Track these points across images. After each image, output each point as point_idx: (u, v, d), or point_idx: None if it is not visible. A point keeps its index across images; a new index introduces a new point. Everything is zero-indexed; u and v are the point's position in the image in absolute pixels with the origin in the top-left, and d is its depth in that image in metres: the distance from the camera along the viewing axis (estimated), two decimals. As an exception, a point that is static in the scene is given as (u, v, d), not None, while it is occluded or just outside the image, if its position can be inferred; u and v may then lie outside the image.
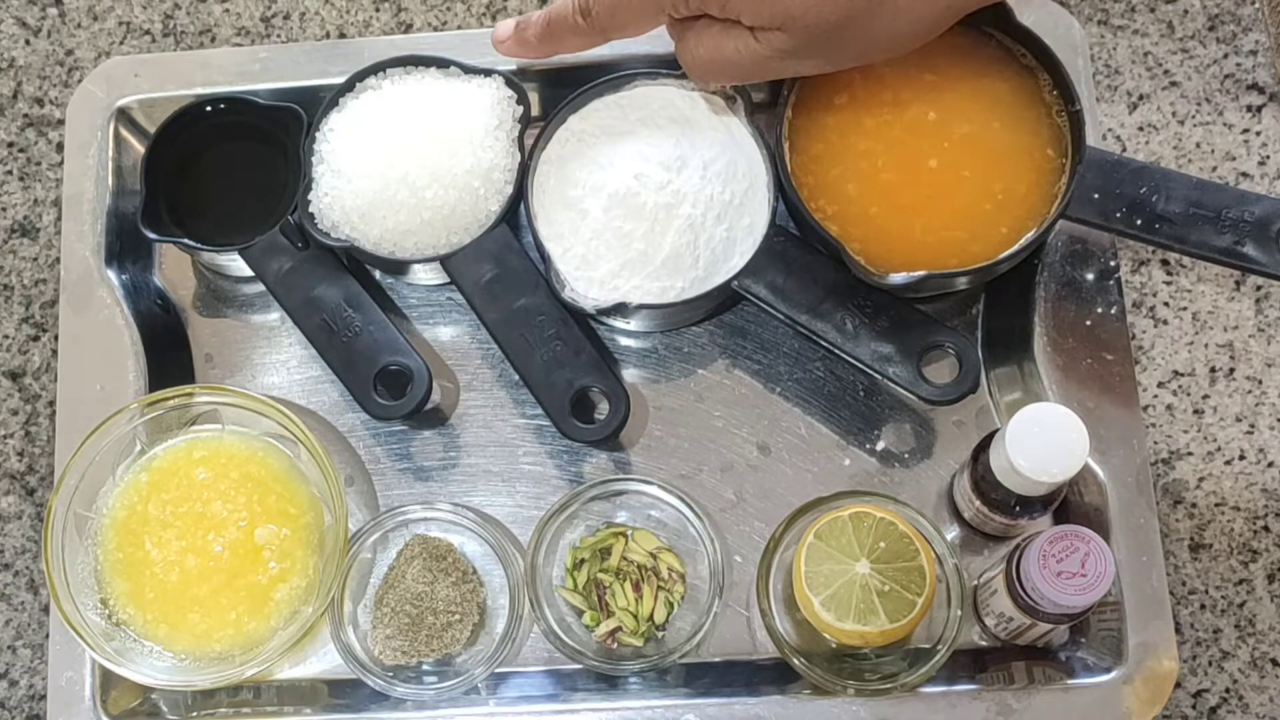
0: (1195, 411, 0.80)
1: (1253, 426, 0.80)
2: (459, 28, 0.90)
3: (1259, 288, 0.82)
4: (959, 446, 0.78)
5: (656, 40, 0.82)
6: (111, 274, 0.82)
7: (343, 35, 0.90)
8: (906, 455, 0.79)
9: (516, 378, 0.78)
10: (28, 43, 0.91)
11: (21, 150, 0.89)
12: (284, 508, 0.77)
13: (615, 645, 0.76)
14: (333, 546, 0.75)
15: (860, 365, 0.75)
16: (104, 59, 0.89)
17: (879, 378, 0.75)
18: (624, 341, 0.82)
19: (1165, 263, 0.82)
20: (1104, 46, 0.86)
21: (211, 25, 0.91)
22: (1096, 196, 0.73)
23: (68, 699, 0.76)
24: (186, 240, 0.80)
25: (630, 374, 0.81)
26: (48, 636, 0.78)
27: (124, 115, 0.85)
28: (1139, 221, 0.73)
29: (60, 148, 0.88)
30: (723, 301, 0.78)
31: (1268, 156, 0.84)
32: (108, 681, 0.77)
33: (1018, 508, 0.71)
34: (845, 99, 0.76)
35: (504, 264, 0.77)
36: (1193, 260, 0.82)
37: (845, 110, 0.75)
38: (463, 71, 0.80)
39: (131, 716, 0.77)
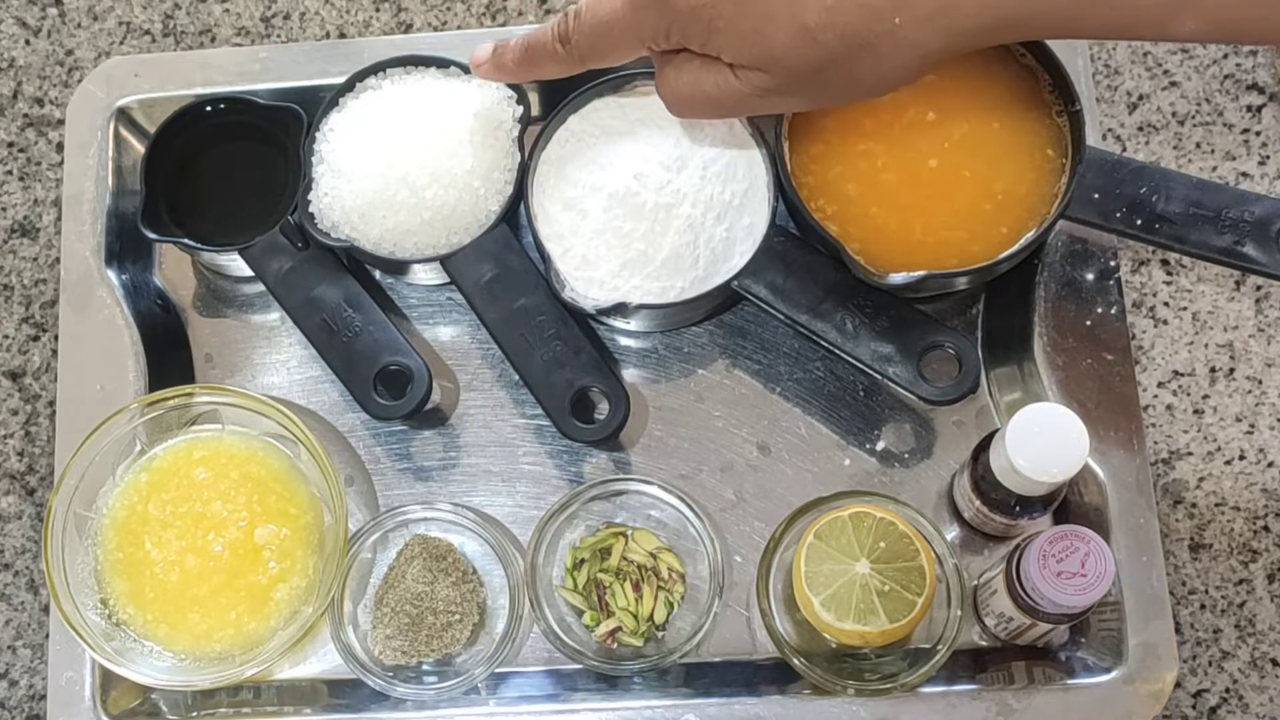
0: (1195, 411, 0.80)
1: (1253, 426, 0.80)
2: (459, 28, 0.90)
3: (1259, 288, 0.82)
4: (959, 446, 0.78)
5: (656, 40, 0.82)
6: (111, 274, 0.82)
7: (343, 35, 0.90)
8: (906, 455, 0.79)
9: (516, 378, 0.78)
10: (28, 43, 0.91)
11: (21, 150, 0.89)
12: (284, 508, 0.77)
13: (615, 645, 0.76)
14: (333, 546, 0.75)
15: (860, 365, 0.75)
16: (104, 59, 0.89)
17: (879, 378, 0.75)
18: (624, 341, 0.82)
19: (1165, 263, 0.82)
20: (1104, 46, 0.86)
21: (211, 25, 0.91)
22: (1096, 196, 0.73)
23: (68, 699, 0.76)
24: (186, 240, 0.80)
25: (630, 374, 0.81)
26: (48, 636, 0.78)
27: (124, 115, 0.85)
28: (1139, 221, 0.73)
29: (60, 148, 0.88)
30: (723, 301, 0.78)
31: (1268, 156, 0.84)
32: (108, 681, 0.77)
33: (1018, 508, 0.71)
34: (845, 99, 0.76)
35: (504, 264, 0.77)
36: (1193, 260, 0.82)
37: (845, 110, 0.75)
38: (463, 71, 0.80)
39: (131, 716, 0.77)
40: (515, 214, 0.78)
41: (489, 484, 0.80)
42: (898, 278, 0.71)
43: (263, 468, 0.78)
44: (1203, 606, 0.78)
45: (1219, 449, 0.80)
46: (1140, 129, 0.85)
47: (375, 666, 0.76)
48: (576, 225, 0.76)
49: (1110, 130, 0.85)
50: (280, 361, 0.83)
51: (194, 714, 0.77)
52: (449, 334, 0.83)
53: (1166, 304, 0.82)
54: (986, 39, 0.62)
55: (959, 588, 0.73)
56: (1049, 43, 0.74)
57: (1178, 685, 0.76)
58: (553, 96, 0.81)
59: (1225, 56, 0.86)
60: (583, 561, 0.77)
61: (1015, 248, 0.73)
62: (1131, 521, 0.74)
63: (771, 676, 0.76)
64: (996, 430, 0.70)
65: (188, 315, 0.84)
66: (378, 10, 0.90)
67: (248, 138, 0.82)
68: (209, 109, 0.82)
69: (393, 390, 0.77)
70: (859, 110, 0.75)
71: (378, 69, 0.80)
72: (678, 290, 0.75)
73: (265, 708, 0.77)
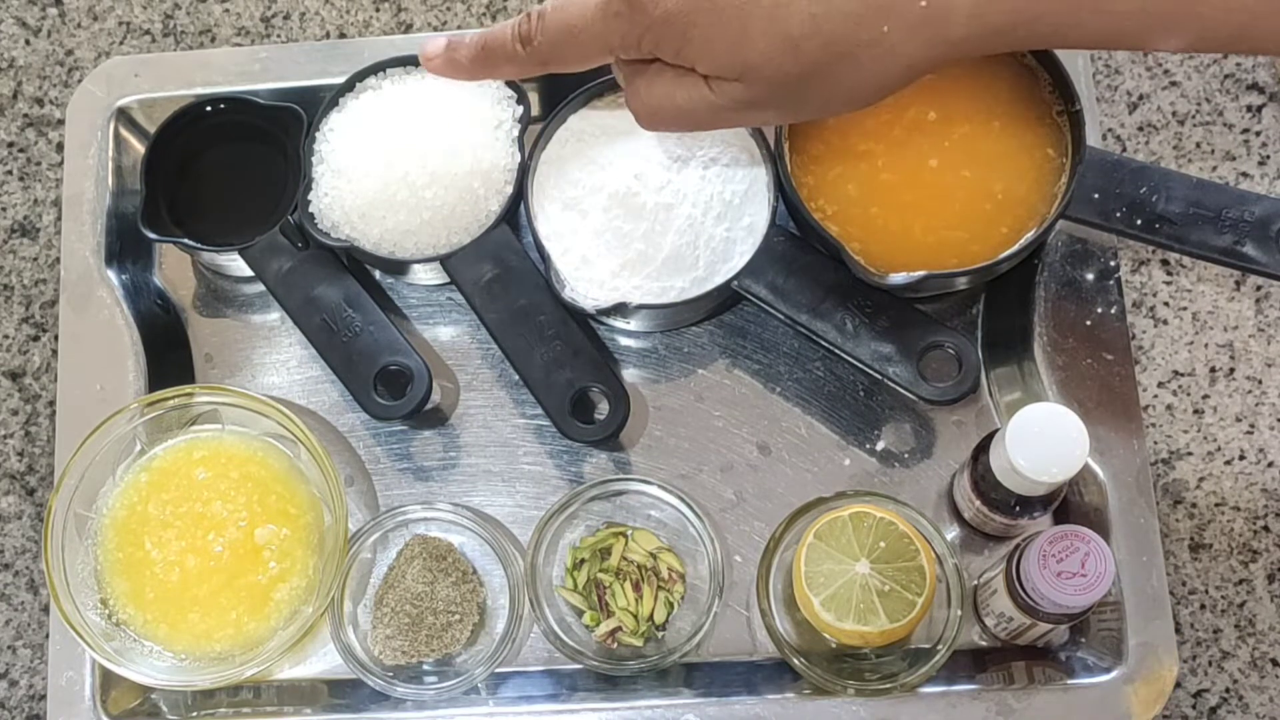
0: (1195, 411, 0.80)
1: (1253, 426, 0.80)
2: (459, 28, 0.90)
3: (1259, 288, 0.82)
4: (959, 446, 0.78)
5: (656, 40, 0.82)
6: (111, 274, 0.82)
7: (343, 35, 0.90)
8: (906, 455, 0.79)
9: (516, 378, 0.78)
10: (28, 43, 0.91)
11: (21, 150, 0.89)
12: (284, 508, 0.77)
13: (615, 645, 0.76)
14: (333, 546, 0.75)
15: (860, 365, 0.75)
16: (104, 59, 0.89)
17: (879, 378, 0.75)
18: (624, 341, 0.82)
19: (1165, 263, 0.82)
20: (1104, 46, 0.86)
21: (211, 25, 0.91)
22: (1096, 196, 0.73)
23: (68, 699, 0.76)
24: (186, 240, 0.80)
25: (630, 374, 0.81)
26: (48, 636, 0.78)
27: (124, 115, 0.85)
28: (1139, 221, 0.73)
29: (60, 148, 0.88)
30: (723, 301, 0.78)
31: (1268, 156, 0.84)
32: (108, 681, 0.77)
33: (1018, 508, 0.71)
34: (845, 99, 0.76)
35: (504, 264, 0.77)
36: (1193, 260, 0.82)
37: (845, 110, 0.75)
38: (463, 71, 0.80)
39: (131, 716, 0.77)
40: (515, 214, 0.78)
41: (489, 484, 0.80)
42: (898, 278, 0.71)
43: (263, 468, 0.78)
44: (1203, 606, 0.78)
45: (1219, 449, 0.80)
46: (1140, 129, 0.85)
47: (375, 666, 0.76)
48: (576, 225, 0.76)
49: (1110, 130, 0.85)
50: (280, 361, 0.83)
51: (194, 714, 0.77)
52: (449, 334, 0.83)
53: (1166, 304, 0.82)
54: (973, 49, 0.60)
55: (959, 588, 0.73)
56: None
57: (1178, 685, 0.76)
58: (553, 96, 0.81)
59: (1225, 57, 0.86)
60: (583, 561, 0.77)
61: (1015, 248, 0.73)
62: (1131, 521, 0.74)
63: (771, 676, 0.76)
64: (996, 430, 0.70)
65: (188, 315, 0.84)
66: (378, 10, 0.90)
67: (248, 138, 0.82)
68: (209, 109, 0.82)
69: (393, 390, 0.77)
70: (860, 110, 0.75)
71: (378, 69, 0.80)
72: (678, 290, 0.75)
73: (265, 708, 0.77)
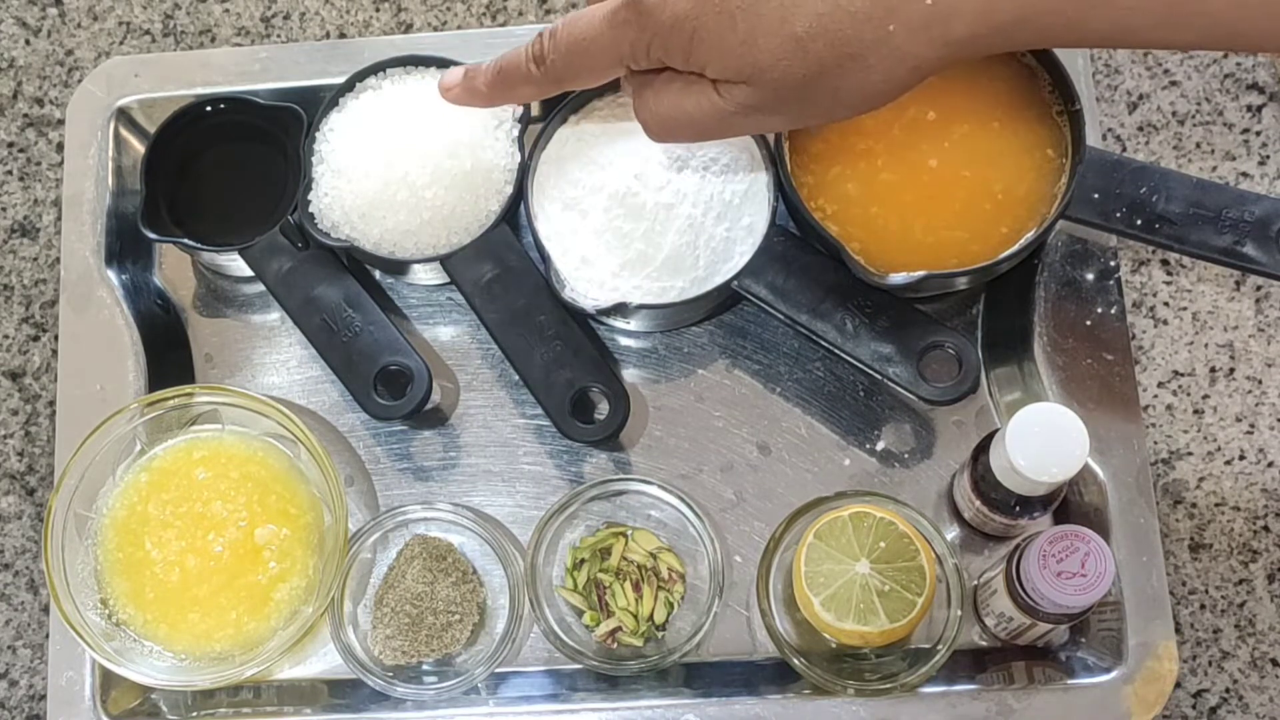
0: (1195, 411, 0.80)
1: (1253, 426, 0.80)
2: (459, 28, 0.90)
3: (1259, 288, 0.82)
4: (959, 446, 0.78)
5: (656, 40, 0.82)
6: (111, 274, 0.82)
7: (343, 35, 0.90)
8: (906, 455, 0.79)
9: (516, 378, 0.78)
10: (28, 43, 0.91)
11: (21, 150, 0.89)
12: (284, 508, 0.77)
13: (615, 645, 0.76)
14: (333, 546, 0.75)
15: (860, 365, 0.75)
16: (104, 59, 0.89)
17: (879, 378, 0.75)
18: (624, 341, 0.82)
19: (1165, 263, 0.82)
20: (1104, 46, 0.86)
21: (211, 25, 0.91)
22: (1096, 196, 0.73)
23: (68, 699, 0.76)
24: (186, 240, 0.80)
25: (630, 374, 0.81)
26: (48, 636, 0.78)
27: (124, 115, 0.85)
28: (1139, 221, 0.73)
29: (60, 148, 0.88)
30: (723, 301, 0.78)
31: (1268, 156, 0.84)
32: (108, 681, 0.77)
33: (1018, 508, 0.71)
34: (845, 99, 0.76)
35: (504, 264, 0.77)
36: (1193, 260, 0.82)
37: (845, 110, 0.75)
38: (463, 71, 0.80)
39: (131, 716, 0.77)
40: (515, 214, 0.78)
41: (489, 484, 0.80)
42: (898, 278, 0.71)
43: (263, 468, 0.78)
44: (1203, 606, 0.78)
45: (1219, 449, 0.80)
46: (1140, 129, 0.85)
47: (375, 666, 0.76)
48: (576, 225, 0.76)
49: (1110, 130, 0.85)
50: (280, 361, 0.83)
51: (194, 714, 0.77)
52: (449, 334, 0.83)
53: (1166, 304, 0.82)
54: (980, 48, 0.60)
55: (959, 588, 0.73)
56: (1049, 43, 0.74)
57: (1178, 685, 0.76)
58: (553, 96, 0.81)
59: (1225, 56, 0.86)
60: (583, 561, 0.77)
61: (1015, 248, 0.73)
62: (1131, 521, 0.74)
63: (771, 676, 0.76)
64: (996, 430, 0.70)
65: (188, 315, 0.84)
66: (378, 10, 0.90)
67: (248, 138, 0.82)
68: (209, 109, 0.82)
69: (393, 390, 0.77)
70: (864, 115, 0.75)
71: (378, 69, 0.80)
72: (678, 290, 0.75)
73: (265, 708, 0.77)
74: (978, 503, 0.73)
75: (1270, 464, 0.79)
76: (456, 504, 0.78)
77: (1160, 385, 0.81)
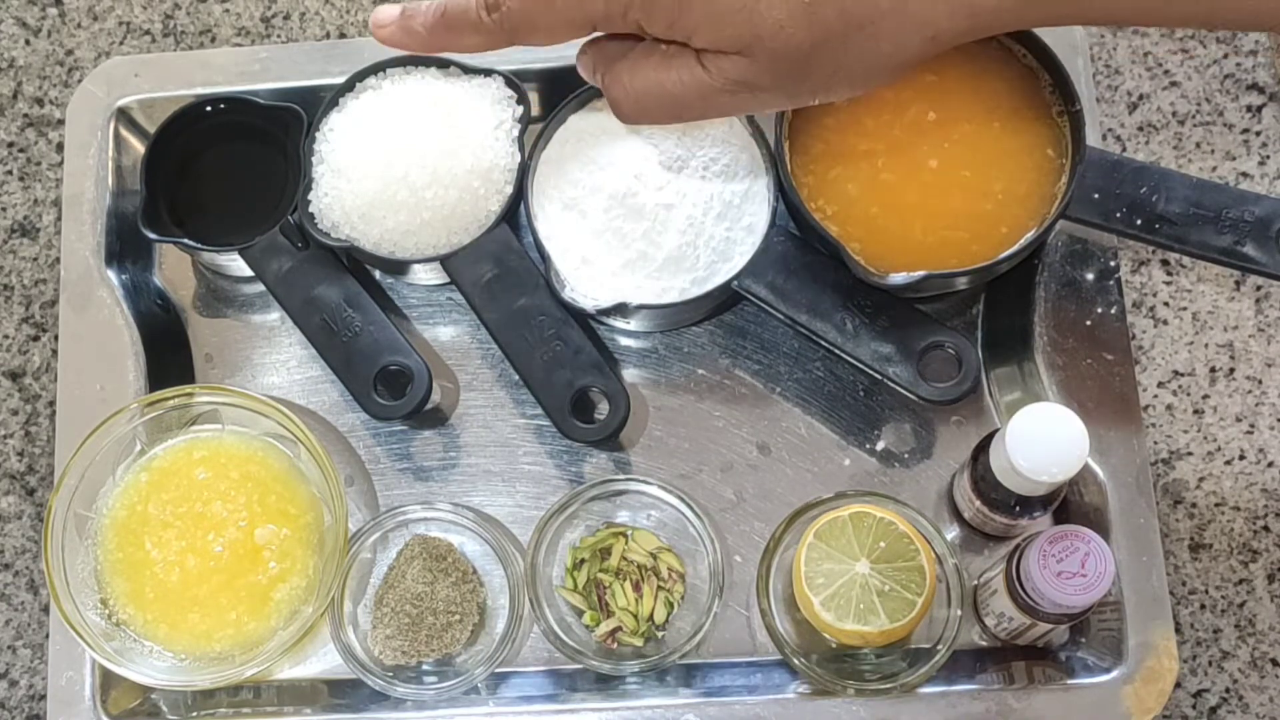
0: (1195, 411, 0.80)
1: (1253, 426, 0.80)
2: (459, 28, 0.89)
3: (1259, 288, 0.82)
4: (959, 446, 0.78)
5: (656, 40, 0.82)
6: (111, 274, 0.82)
7: (343, 35, 0.90)
8: (906, 455, 0.79)
9: (516, 378, 0.78)
10: (28, 43, 0.91)
11: (21, 150, 0.89)
12: (284, 508, 0.77)
13: (615, 645, 0.76)
14: (333, 546, 0.75)
15: (860, 365, 0.75)
16: (104, 59, 0.89)
17: (879, 378, 0.75)
18: (624, 341, 0.82)
19: (1165, 263, 0.82)
20: (1104, 46, 0.86)
21: (211, 25, 0.91)
22: (1096, 196, 0.73)
23: (68, 699, 0.76)
24: (186, 240, 0.80)
25: (630, 374, 0.81)
26: (48, 636, 0.78)
27: (124, 115, 0.85)
28: (1139, 221, 0.73)
29: (60, 148, 0.88)
30: (723, 301, 0.78)
31: (1268, 156, 0.84)
32: (108, 681, 0.77)
33: (1018, 508, 0.71)
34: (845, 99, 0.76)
35: (504, 264, 0.77)
36: (1193, 260, 0.82)
37: (845, 110, 0.75)
38: (463, 71, 0.80)
39: (131, 716, 0.77)
40: (515, 214, 0.78)
41: (489, 484, 0.80)
42: (898, 278, 0.71)
43: (263, 468, 0.78)
44: (1203, 606, 0.78)
45: (1219, 449, 0.80)
46: (1140, 129, 0.85)
47: (375, 666, 0.76)
48: (576, 225, 0.76)
49: (1110, 130, 0.85)
50: (280, 361, 0.83)
51: (194, 714, 0.77)
52: (449, 334, 0.83)
53: (1166, 304, 0.82)
54: (1006, 21, 0.55)
55: (959, 588, 0.73)
56: (1049, 43, 0.74)
57: (1178, 685, 0.76)
58: (553, 96, 0.81)
59: (1225, 56, 0.86)
60: (583, 561, 0.77)
61: (1015, 248, 0.73)
62: (1131, 521, 0.74)
63: (771, 676, 0.76)
64: (996, 430, 0.70)
65: (188, 315, 0.84)
66: (378, 10, 0.90)
67: (248, 138, 0.82)
68: (209, 109, 0.82)
69: (393, 390, 0.77)
70: (860, 110, 0.75)
71: (378, 69, 0.80)
72: (678, 290, 0.75)
73: (265, 708, 0.77)
74: (978, 503, 0.73)
75: (1270, 464, 0.79)
76: (456, 504, 0.78)
77: (1160, 385, 0.81)
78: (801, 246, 0.76)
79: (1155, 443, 0.80)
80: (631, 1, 0.57)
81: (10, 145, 0.89)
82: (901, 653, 0.75)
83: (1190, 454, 0.80)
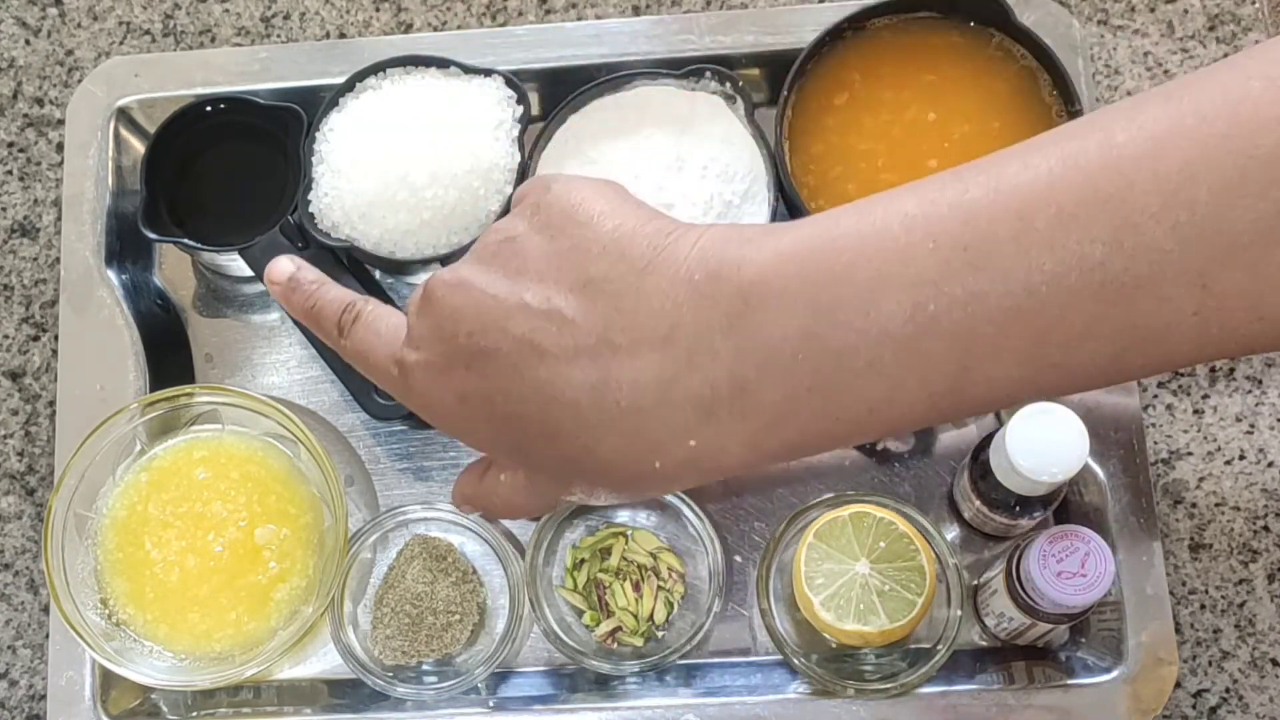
0: (1195, 411, 0.80)
1: (1253, 426, 0.80)
2: (459, 28, 0.90)
3: (1259, 288, 0.82)
4: (959, 446, 0.78)
5: (656, 41, 0.82)
6: (111, 274, 0.82)
7: (343, 35, 0.90)
8: (906, 455, 0.79)
9: (516, 378, 0.78)
10: (28, 43, 0.91)
11: (21, 150, 0.89)
12: (284, 508, 0.77)
13: (615, 645, 0.76)
14: (333, 546, 0.75)
15: (860, 365, 0.75)
16: (104, 59, 0.89)
17: (879, 378, 0.75)
18: (624, 341, 0.82)
19: (1165, 263, 0.82)
20: (1104, 46, 0.86)
21: (211, 25, 0.91)
22: (1096, 196, 0.73)
23: (68, 699, 0.76)
24: (186, 240, 0.80)
25: (630, 374, 0.81)
26: (48, 636, 0.78)
27: (124, 115, 0.85)
28: (1139, 221, 0.73)
29: (60, 148, 0.88)
30: (723, 301, 0.78)
31: (1268, 156, 0.84)
32: (108, 681, 0.77)
33: (1018, 508, 0.71)
34: (845, 99, 0.76)
35: (504, 264, 0.77)
36: (1193, 260, 0.81)
37: (845, 110, 0.75)
38: (463, 71, 0.80)
39: (131, 716, 0.77)
40: (515, 214, 0.78)
41: (489, 484, 0.80)
42: (898, 278, 0.71)
43: (263, 468, 0.78)
44: (1203, 606, 0.78)
45: (1219, 449, 0.80)
46: (1140, 129, 0.85)
47: (375, 666, 0.76)
48: (576, 225, 0.76)
49: (1110, 130, 0.85)
50: (280, 361, 0.83)
51: (194, 714, 0.77)
52: (449, 334, 0.82)
53: (1166, 304, 0.82)
54: (756, 468, 0.56)
55: (959, 588, 0.73)
56: (1049, 43, 0.74)
57: (1178, 685, 0.76)
58: (553, 96, 0.81)
59: (1225, 56, 0.86)
60: (583, 561, 0.77)
61: (1015, 248, 0.73)
62: (1131, 521, 0.74)
63: (771, 677, 0.76)
64: (996, 430, 0.70)
65: (188, 315, 0.84)
66: (378, 10, 0.90)
67: (248, 138, 0.82)
68: (208, 109, 0.82)
69: (393, 390, 0.77)
70: (859, 110, 0.75)
71: (378, 69, 0.80)
72: (678, 290, 0.75)
73: (265, 708, 0.77)
74: (978, 503, 0.73)
75: (1270, 464, 0.79)
76: (456, 504, 0.78)
77: (1160, 385, 0.81)
78: (801, 246, 0.76)
79: (1155, 443, 0.80)
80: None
81: (10, 145, 0.89)
82: (901, 653, 0.75)
83: (1190, 454, 0.80)
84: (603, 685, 0.76)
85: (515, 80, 0.79)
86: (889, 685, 0.72)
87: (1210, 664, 0.77)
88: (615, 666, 0.75)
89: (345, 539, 0.75)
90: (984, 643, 0.76)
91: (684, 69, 0.78)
